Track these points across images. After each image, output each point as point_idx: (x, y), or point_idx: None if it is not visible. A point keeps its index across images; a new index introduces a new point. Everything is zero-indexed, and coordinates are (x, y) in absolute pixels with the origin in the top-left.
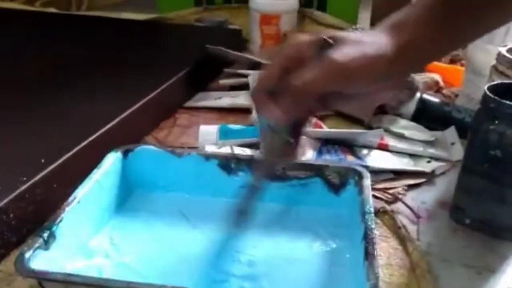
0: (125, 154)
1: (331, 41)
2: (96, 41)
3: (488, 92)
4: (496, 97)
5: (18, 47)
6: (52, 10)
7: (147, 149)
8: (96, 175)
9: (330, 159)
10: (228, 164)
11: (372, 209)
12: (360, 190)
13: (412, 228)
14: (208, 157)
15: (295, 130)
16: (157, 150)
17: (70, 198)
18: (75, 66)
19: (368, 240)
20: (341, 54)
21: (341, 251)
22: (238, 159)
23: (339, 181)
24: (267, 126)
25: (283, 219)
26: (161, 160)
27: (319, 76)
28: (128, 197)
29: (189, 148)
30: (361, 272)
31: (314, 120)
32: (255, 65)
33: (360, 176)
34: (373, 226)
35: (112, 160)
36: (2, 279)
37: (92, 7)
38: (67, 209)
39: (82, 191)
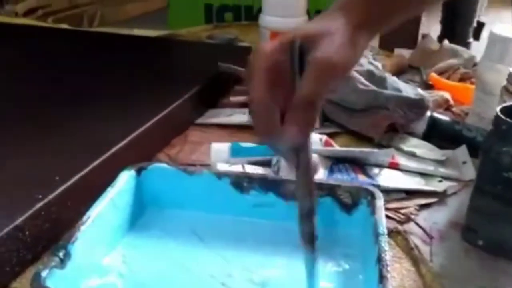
0: (139, 172)
1: (300, 42)
2: (107, 58)
3: (500, 114)
4: (508, 119)
5: (31, 64)
6: (64, 26)
7: (160, 167)
8: (110, 193)
9: (341, 178)
10: (240, 182)
11: (385, 231)
12: (373, 211)
13: (425, 249)
14: (220, 175)
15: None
16: (170, 168)
17: (85, 217)
18: (87, 84)
19: (382, 262)
20: (325, 53)
21: (354, 272)
22: (250, 177)
23: (351, 201)
24: (285, 149)
25: (294, 238)
26: (174, 178)
27: (319, 81)
28: (141, 215)
29: (201, 165)
30: None
31: (324, 138)
32: None
33: (373, 197)
34: (386, 248)
35: (125, 178)
36: None
37: (104, 23)
38: (81, 228)
39: (96, 210)
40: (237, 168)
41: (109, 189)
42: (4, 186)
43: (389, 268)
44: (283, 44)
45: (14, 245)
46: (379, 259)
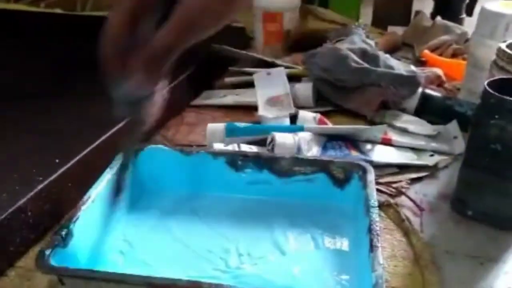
0: (136, 153)
1: None
2: (99, 41)
3: (488, 88)
4: (496, 93)
5: (25, 48)
6: (58, 11)
7: (156, 149)
8: (108, 174)
9: (335, 154)
10: (235, 161)
11: (376, 203)
12: (364, 185)
13: (415, 221)
14: (216, 155)
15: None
16: (166, 149)
17: (85, 197)
18: (83, 67)
19: (372, 232)
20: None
21: (347, 243)
22: (244, 156)
23: (343, 176)
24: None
25: (289, 213)
26: (171, 159)
27: (180, 32)
28: (139, 195)
29: (197, 146)
30: (366, 263)
31: (318, 116)
32: (259, 63)
33: (364, 171)
34: (377, 219)
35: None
36: (23, 275)
37: (97, 7)
38: (82, 208)
39: (95, 191)
40: (232, 148)
41: (107, 170)
42: (6, 169)
43: (380, 238)
44: None
45: (18, 225)
46: (370, 230)
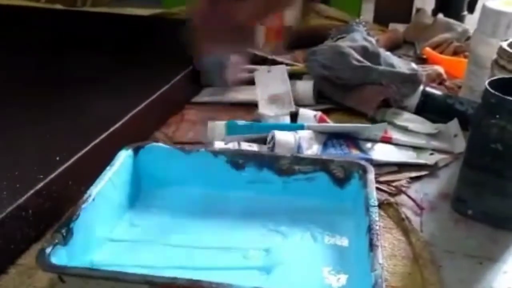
0: (136, 151)
1: None
2: (101, 38)
3: (489, 88)
4: (496, 93)
5: (25, 45)
6: (58, 6)
7: (157, 147)
8: (109, 172)
9: (335, 152)
10: (235, 159)
11: (376, 202)
12: (364, 184)
13: (415, 220)
14: (216, 153)
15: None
16: (167, 147)
17: (85, 196)
18: (82, 64)
19: (372, 232)
20: None
21: (346, 242)
22: (245, 155)
23: (343, 175)
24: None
25: (289, 211)
26: (171, 157)
27: (260, 8)
28: (139, 193)
29: (198, 143)
30: (366, 262)
31: (319, 114)
32: (259, 60)
33: (364, 170)
34: (377, 218)
35: (123, 157)
36: (23, 272)
37: (97, 2)
38: (83, 206)
39: (96, 189)
40: (233, 146)
41: (108, 168)
42: (7, 166)
43: (379, 237)
44: None
45: (18, 223)
46: (370, 229)
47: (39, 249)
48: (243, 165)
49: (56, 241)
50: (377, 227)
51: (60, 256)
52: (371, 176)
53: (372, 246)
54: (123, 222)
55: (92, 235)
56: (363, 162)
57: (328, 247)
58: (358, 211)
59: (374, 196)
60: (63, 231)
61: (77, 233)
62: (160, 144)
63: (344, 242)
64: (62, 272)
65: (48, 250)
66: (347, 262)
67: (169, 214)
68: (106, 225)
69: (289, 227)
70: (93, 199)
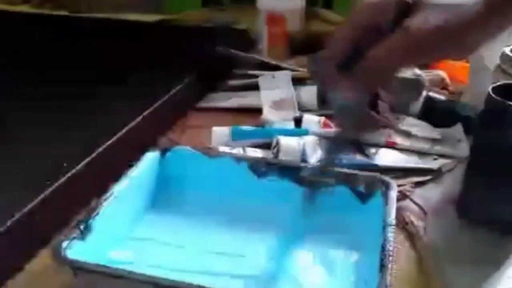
0: (163, 153)
1: (410, 1)
2: (105, 44)
3: (492, 93)
4: (499, 98)
5: (31, 50)
6: (63, 12)
7: (182, 150)
8: (133, 172)
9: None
10: (258, 167)
11: (393, 221)
12: (386, 201)
13: (419, 225)
14: (239, 159)
15: (370, 102)
16: (192, 151)
17: (108, 194)
18: (86, 70)
19: (384, 252)
20: (422, 25)
21: (359, 259)
22: (268, 163)
23: (366, 191)
24: (340, 103)
25: (307, 222)
26: (196, 161)
27: (398, 51)
28: (161, 195)
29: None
30: (374, 282)
31: (323, 119)
32: (263, 65)
33: (388, 187)
34: (391, 238)
35: (149, 158)
36: (31, 279)
37: (100, 8)
38: (104, 203)
39: (118, 188)
40: (237, 151)
41: (133, 168)
42: (14, 173)
43: (391, 258)
44: (391, 3)
45: (26, 229)
46: (383, 249)
47: (56, 242)
48: (265, 173)
49: (74, 235)
50: (391, 248)
51: (76, 251)
52: (393, 193)
53: (382, 267)
54: (144, 222)
55: (112, 232)
56: (386, 179)
57: (340, 262)
58: (375, 228)
59: (393, 215)
60: (82, 226)
61: (96, 229)
62: (186, 147)
63: (356, 257)
64: (73, 266)
65: (64, 244)
66: (357, 279)
67: (189, 217)
68: (126, 224)
69: (304, 239)
70: (115, 197)
